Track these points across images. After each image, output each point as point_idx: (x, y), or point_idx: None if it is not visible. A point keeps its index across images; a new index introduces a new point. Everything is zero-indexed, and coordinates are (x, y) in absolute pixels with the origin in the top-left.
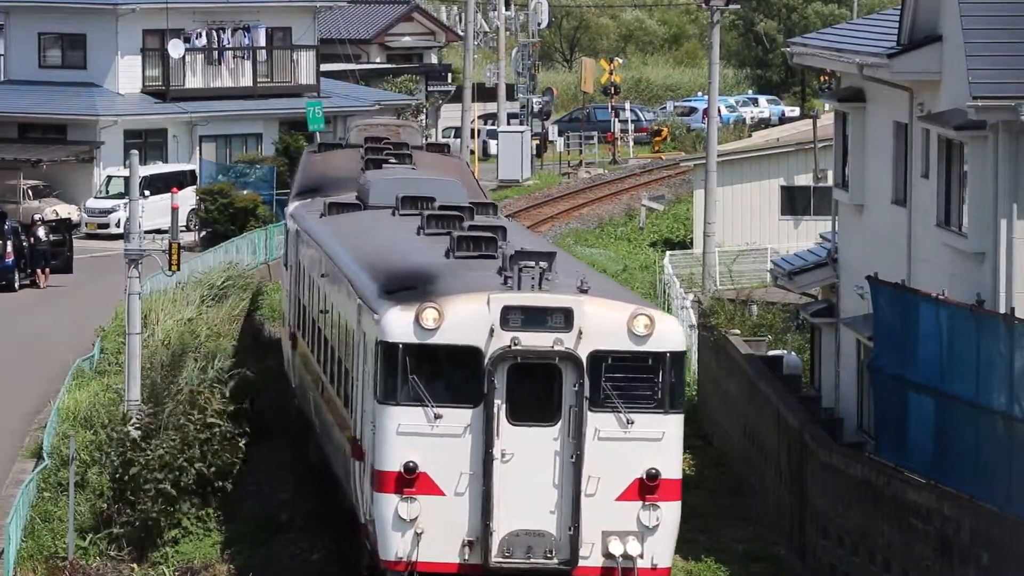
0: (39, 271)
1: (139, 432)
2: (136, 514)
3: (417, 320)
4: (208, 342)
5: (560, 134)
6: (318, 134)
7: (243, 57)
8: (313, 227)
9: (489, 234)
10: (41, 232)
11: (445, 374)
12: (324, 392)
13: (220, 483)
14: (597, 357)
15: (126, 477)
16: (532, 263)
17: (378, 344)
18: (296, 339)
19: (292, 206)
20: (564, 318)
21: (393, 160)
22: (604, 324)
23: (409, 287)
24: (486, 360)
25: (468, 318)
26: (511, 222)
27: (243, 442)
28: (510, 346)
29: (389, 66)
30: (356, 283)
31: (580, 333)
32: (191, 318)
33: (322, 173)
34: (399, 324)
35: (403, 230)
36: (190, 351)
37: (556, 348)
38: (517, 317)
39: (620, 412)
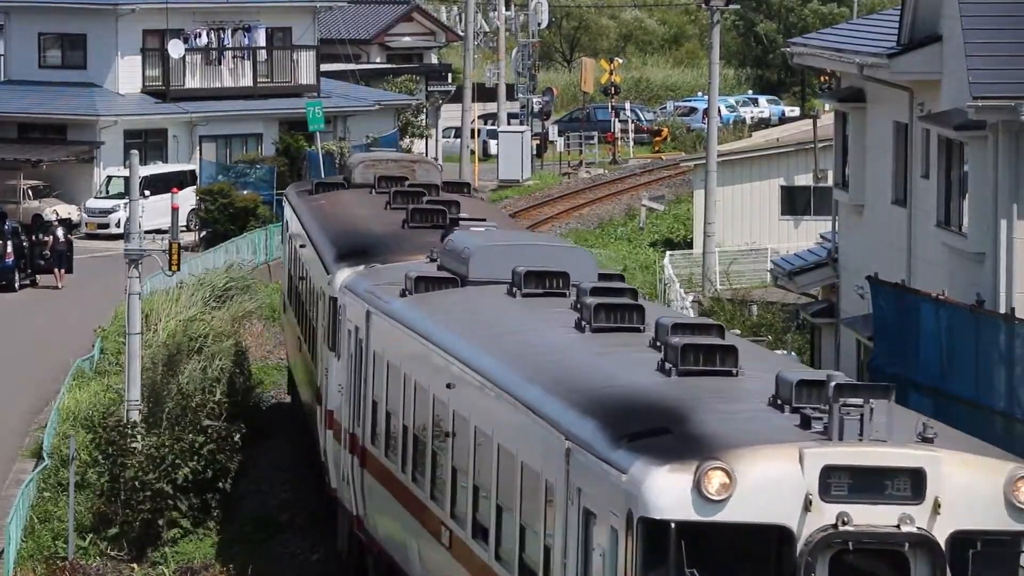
0: (56, 271)
1: (129, 432)
2: (135, 514)
3: (698, 487)
4: (211, 343)
5: (560, 134)
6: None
7: (243, 57)
8: (401, 312)
9: (711, 339)
10: (60, 232)
11: (736, 567)
12: None
13: (218, 483)
14: (962, 541)
15: (122, 478)
16: (859, 402)
17: (637, 522)
18: (384, 473)
19: (342, 275)
20: (912, 483)
21: (434, 210)
22: (970, 491)
23: (655, 430)
24: (800, 545)
25: (771, 483)
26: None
27: (237, 437)
28: (836, 525)
29: (389, 66)
30: (544, 413)
31: (936, 505)
32: (192, 318)
33: (352, 228)
34: (670, 492)
35: (549, 322)
36: (190, 352)
37: (904, 529)
38: (843, 482)
39: None
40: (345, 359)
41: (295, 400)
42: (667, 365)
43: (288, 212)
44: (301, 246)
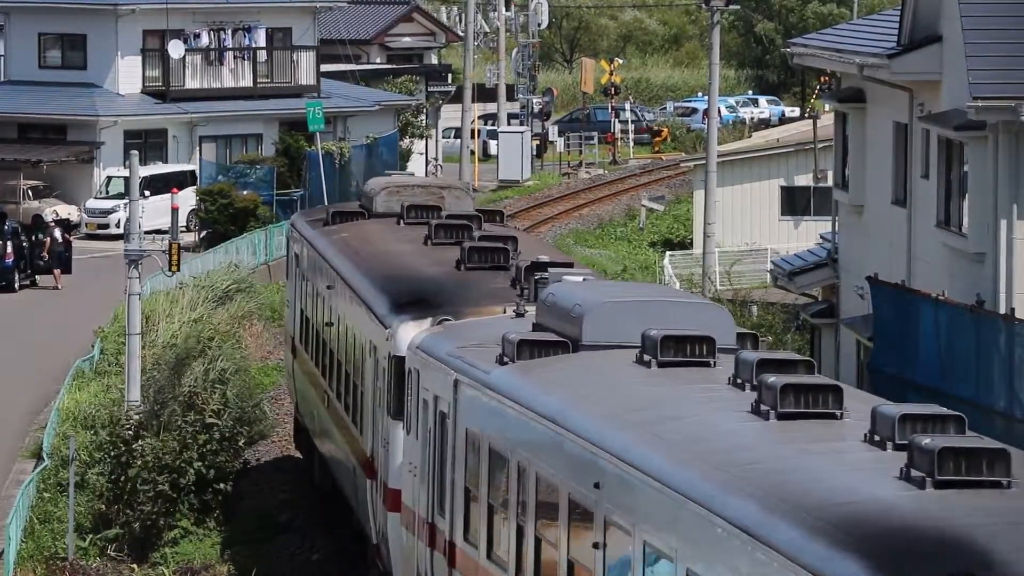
0: (54, 272)
1: (131, 433)
2: (135, 514)
3: None
4: (215, 344)
5: (560, 134)
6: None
7: (243, 58)
8: (506, 386)
9: (971, 439)
10: (57, 233)
11: None
12: None
13: (219, 484)
14: None
15: (123, 478)
16: None
17: None
18: None
19: (407, 331)
20: None
21: (491, 248)
22: None
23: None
24: None
25: None
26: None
27: (242, 442)
28: None
29: (389, 66)
30: (765, 537)
31: None
32: (196, 319)
33: (401, 270)
34: None
35: (711, 403)
36: (193, 353)
37: None
38: None
39: None
40: (421, 435)
41: (306, 452)
42: (915, 473)
43: (299, 244)
44: (328, 287)
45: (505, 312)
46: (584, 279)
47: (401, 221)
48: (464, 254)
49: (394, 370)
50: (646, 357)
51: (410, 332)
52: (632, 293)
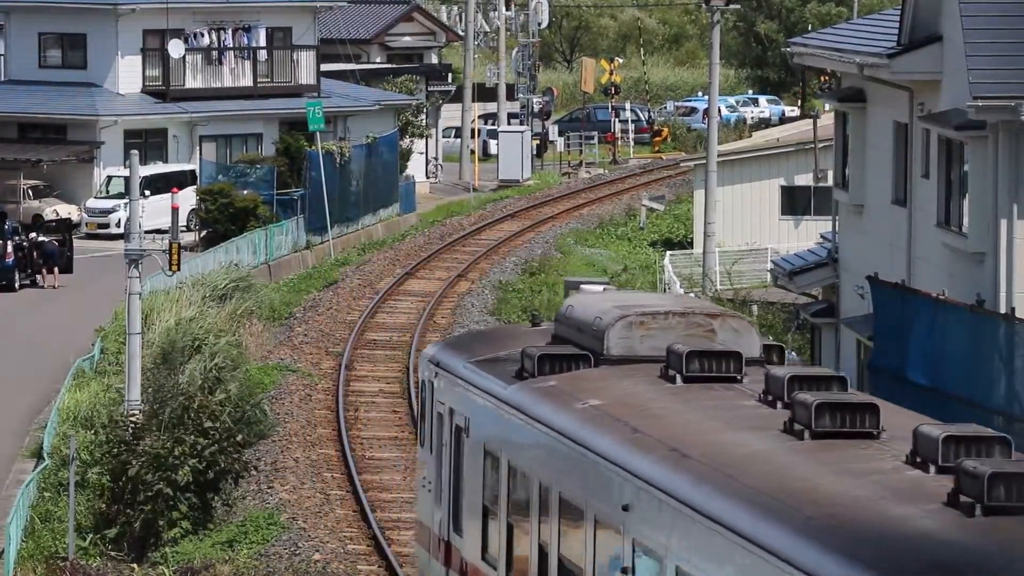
0: (43, 272)
1: (129, 433)
2: (135, 514)
3: None
4: (211, 342)
5: (560, 134)
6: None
7: (243, 57)
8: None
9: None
10: (42, 237)
11: None
12: None
13: (219, 484)
14: None
15: (123, 478)
16: None
17: None
18: None
19: None
20: None
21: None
22: None
23: None
24: None
25: None
26: None
27: (240, 438)
28: None
29: (389, 66)
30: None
31: None
32: (192, 318)
33: (803, 494)
34: None
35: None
36: (186, 350)
37: None
38: None
39: None
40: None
41: None
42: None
43: (462, 399)
44: (598, 500)
45: None
46: (604, 288)
47: (676, 377)
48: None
49: None
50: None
51: None
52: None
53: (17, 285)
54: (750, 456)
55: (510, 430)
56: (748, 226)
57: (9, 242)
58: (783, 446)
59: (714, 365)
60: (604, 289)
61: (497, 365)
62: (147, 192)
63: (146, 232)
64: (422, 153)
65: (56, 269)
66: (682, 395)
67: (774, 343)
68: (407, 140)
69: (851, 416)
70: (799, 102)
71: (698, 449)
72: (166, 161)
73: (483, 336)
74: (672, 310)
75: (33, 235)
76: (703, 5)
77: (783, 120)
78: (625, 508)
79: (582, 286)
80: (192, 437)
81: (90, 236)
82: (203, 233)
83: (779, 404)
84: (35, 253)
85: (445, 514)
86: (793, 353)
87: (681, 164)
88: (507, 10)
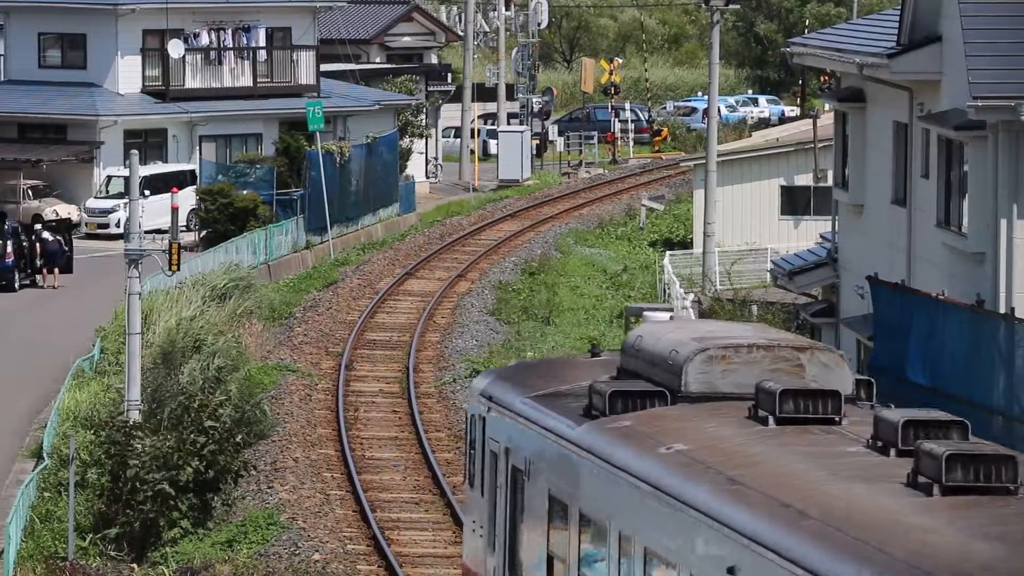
0: (44, 272)
1: (123, 433)
2: (135, 514)
3: None
4: (211, 342)
5: (560, 134)
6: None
7: (243, 57)
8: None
9: None
10: (47, 235)
11: None
12: None
13: (219, 484)
14: None
15: (123, 478)
16: None
17: None
18: None
19: None
20: None
21: None
22: None
23: None
24: None
25: None
26: None
27: (239, 438)
28: None
29: (389, 66)
30: None
31: None
32: (192, 317)
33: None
34: None
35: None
36: (185, 349)
37: None
38: None
39: None
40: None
41: None
42: None
43: (521, 438)
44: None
45: None
46: (670, 317)
47: (768, 418)
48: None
49: None
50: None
51: None
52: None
53: (17, 285)
54: (880, 516)
55: (582, 475)
56: (748, 226)
57: (9, 242)
58: (913, 504)
59: (810, 405)
60: (671, 317)
61: (560, 401)
62: (147, 192)
63: (146, 232)
64: (422, 153)
65: (56, 269)
66: (777, 439)
67: (863, 377)
68: (407, 140)
69: (986, 469)
70: (798, 100)
71: (815, 506)
72: (166, 161)
73: (539, 368)
74: (756, 343)
75: (39, 227)
76: (703, 5)
77: (783, 120)
78: (731, 571)
79: (645, 313)
80: (193, 436)
81: (90, 236)
82: (203, 233)
83: (892, 452)
84: (38, 249)
85: (500, 562)
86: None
87: (681, 164)
88: (507, 10)
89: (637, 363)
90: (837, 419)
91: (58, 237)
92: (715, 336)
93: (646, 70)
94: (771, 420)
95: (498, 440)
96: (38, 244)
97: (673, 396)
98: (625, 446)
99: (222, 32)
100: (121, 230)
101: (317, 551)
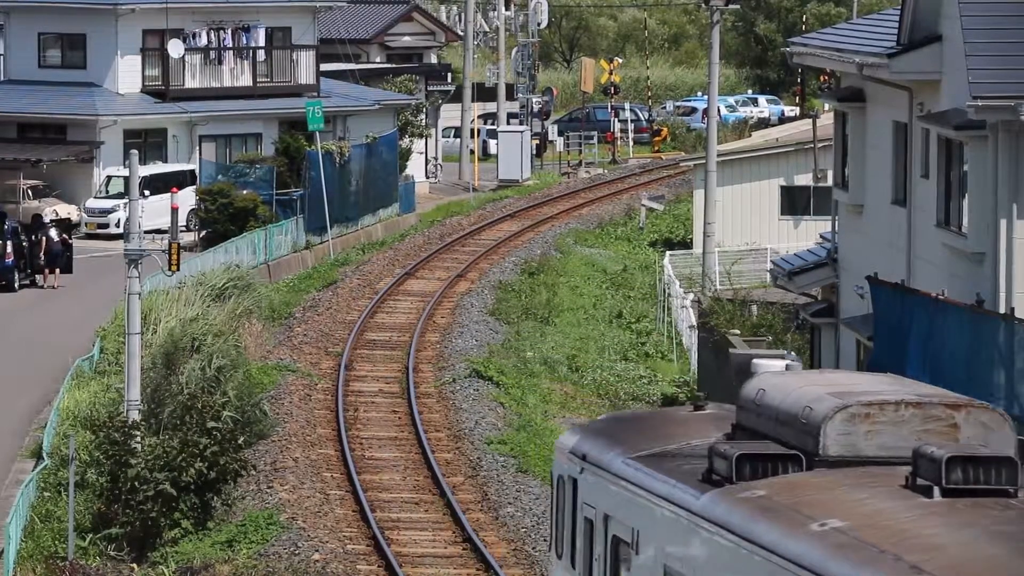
0: (46, 272)
1: (121, 433)
2: (135, 514)
3: None
4: (210, 342)
5: (560, 134)
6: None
7: (243, 57)
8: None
9: None
10: (53, 232)
11: None
12: None
13: (220, 484)
14: None
15: (122, 478)
16: None
17: None
18: None
19: None
20: None
21: None
22: None
23: None
24: None
25: None
26: None
27: (241, 440)
28: None
29: (389, 66)
30: None
31: None
32: (194, 318)
33: None
34: None
35: None
36: (189, 350)
37: None
38: None
39: None
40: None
41: None
42: None
43: (626, 510)
44: None
45: None
46: (787, 365)
47: (934, 489)
48: None
49: None
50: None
51: None
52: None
53: (17, 285)
54: None
55: (711, 552)
56: (748, 226)
57: (9, 242)
58: None
59: (982, 474)
60: (787, 366)
61: (671, 462)
62: (147, 192)
63: (146, 232)
64: (422, 153)
65: (57, 269)
66: (950, 515)
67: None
68: (407, 140)
69: None
70: (797, 100)
71: None
72: (166, 161)
73: (637, 423)
74: (904, 399)
75: (49, 221)
76: (703, 5)
77: (783, 120)
78: None
79: (756, 361)
80: (195, 437)
81: (90, 236)
82: (203, 233)
83: None
84: (41, 246)
85: None
86: (793, 354)
87: (681, 164)
88: (507, 10)
89: (760, 420)
90: (1012, 491)
91: (64, 235)
92: (854, 391)
93: (648, 67)
94: (936, 491)
95: (595, 505)
96: (44, 239)
97: (809, 460)
98: (767, 521)
99: (222, 32)
100: (121, 230)
101: (317, 551)
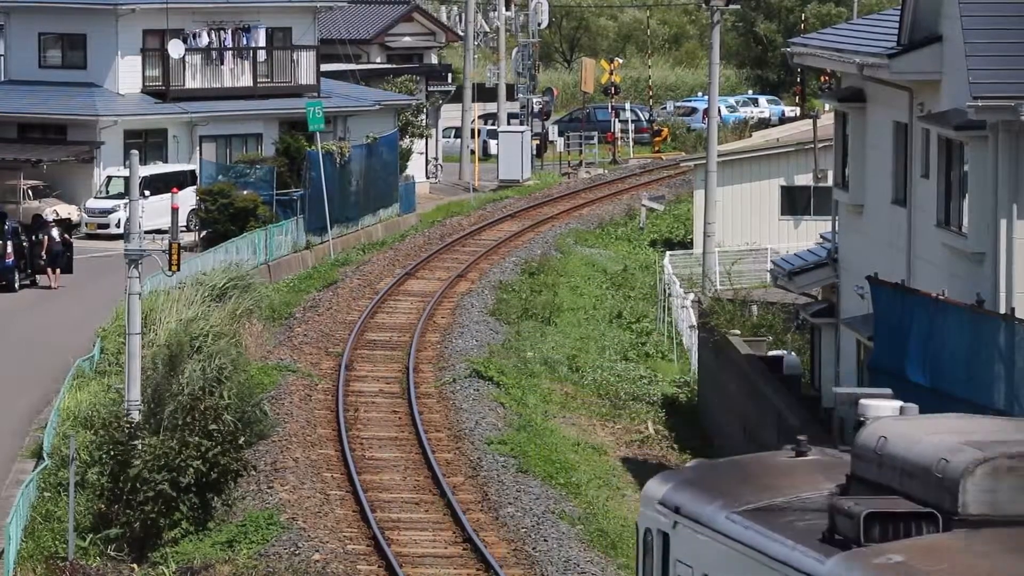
0: (50, 272)
1: (124, 433)
2: (135, 514)
3: None
4: (211, 343)
5: (560, 134)
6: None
7: (243, 57)
8: None
9: None
10: (55, 232)
11: None
12: None
13: (220, 484)
14: None
15: (123, 478)
16: None
17: None
18: None
19: None
20: None
21: None
22: None
23: None
24: None
25: None
26: None
27: (242, 440)
28: None
29: (389, 66)
30: None
31: None
32: (194, 318)
33: None
34: None
35: None
36: (186, 350)
37: None
38: None
39: None
40: None
41: None
42: None
43: (731, 570)
44: None
45: None
46: (901, 407)
47: None
48: None
49: None
50: None
51: None
52: (1013, 437)
53: (17, 285)
54: None
55: None
56: (748, 226)
57: (9, 242)
58: None
59: None
60: (900, 410)
61: (782, 519)
62: (147, 192)
63: (146, 232)
64: (422, 153)
65: (57, 269)
66: None
67: None
68: (407, 140)
69: None
70: (797, 100)
71: None
72: (166, 161)
73: (735, 471)
74: None
75: (52, 220)
76: (703, 5)
77: (783, 120)
78: None
79: (864, 402)
80: (197, 438)
81: (90, 236)
82: (203, 233)
83: None
84: (42, 246)
85: None
86: (792, 354)
87: (681, 164)
88: (507, 10)
89: (881, 472)
90: None
91: (65, 235)
92: (991, 440)
93: (649, 67)
94: None
95: (691, 564)
96: (45, 238)
97: (947, 519)
98: None
99: (222, 32)
100: (121, 230)
101: (317, 551)
